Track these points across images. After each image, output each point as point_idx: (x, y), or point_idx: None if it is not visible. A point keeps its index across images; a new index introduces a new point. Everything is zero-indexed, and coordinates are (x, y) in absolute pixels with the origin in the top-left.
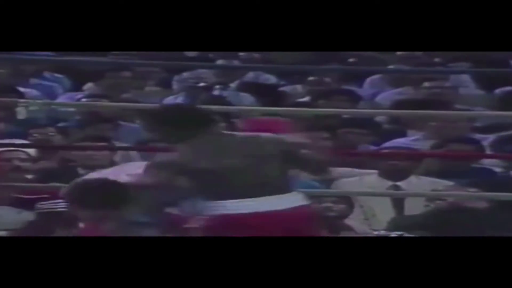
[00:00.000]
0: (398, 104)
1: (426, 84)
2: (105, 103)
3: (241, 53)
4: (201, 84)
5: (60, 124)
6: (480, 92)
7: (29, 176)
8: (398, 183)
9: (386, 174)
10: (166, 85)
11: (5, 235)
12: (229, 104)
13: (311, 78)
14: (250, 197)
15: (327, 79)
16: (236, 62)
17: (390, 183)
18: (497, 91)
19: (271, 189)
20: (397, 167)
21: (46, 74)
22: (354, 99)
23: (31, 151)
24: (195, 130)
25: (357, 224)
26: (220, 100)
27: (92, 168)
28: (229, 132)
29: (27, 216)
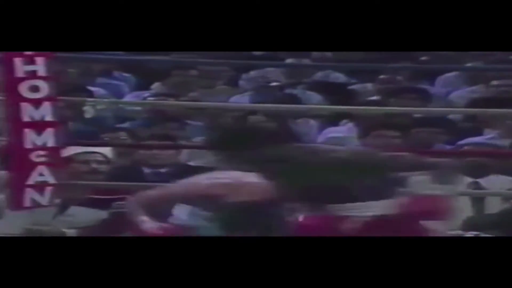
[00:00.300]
0: (473, 102)
1: (494, 82)
2: (171, 101)
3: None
4: (273, 84)
5: (127, 124)
6: None
7: (105, 177)
8: (478, 180)
9: (466, 171)
10: (233, 84)
11: (75, 233)
12: (297, 102)
13: (382, 77)
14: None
15: (399, 77)
16: (306, 61)
17: (470, 180)
18: None
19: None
20: (477, 164)
21: (116, 73)
22: (425, 98)
23: (108, 153)
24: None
25: (432, 223)
26: (288, 99)
27: (157, 167)
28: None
29: (101, 215)
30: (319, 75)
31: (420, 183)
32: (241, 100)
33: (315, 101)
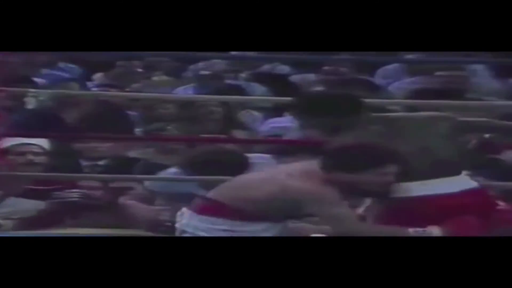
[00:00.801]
0: (413, 94)
1: (440, 73)
2: (113, 92)
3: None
4: (208, 73)
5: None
6: (496, 82)
7: (43, 168)
8: None
9: None
10: (176, 75)
11: (10, 224)
12: (242, 94)
13: (325, 68)
14: (425, 179)
15: (343, 69)
16: (251, 53)
17: None
18: None
19: (445, 171)
20: None
21: (61, 64)
22: (372, 89)
23: (45, 145)
24: (353, 117)
25: None
26: (233, 90)
27: (95, 159)
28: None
29: (39, 205)
30: (266, 67)
31: None
32: (185, 91)
33: (259, 92)
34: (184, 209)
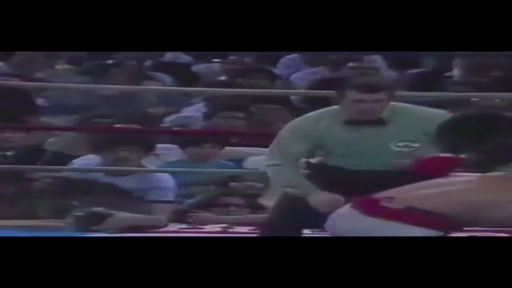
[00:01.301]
0: (313, 84)
1: (350, 64)
2: (16, 82)
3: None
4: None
5: None
6: (393, 72)
7: None
8: None
9: None
10: (79, 64)
11: None
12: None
13: (230, 58)
14: None
15: (246, 59)
16: None
17: None
18: (408, 72)
19: None
20: None
21: None
22: (272, 78)
23: None
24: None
25: None
26: (141, 80)
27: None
28: None
29: None
30: (169, 56)
31: None
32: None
33: (166, 82)
34: (343, 208)
